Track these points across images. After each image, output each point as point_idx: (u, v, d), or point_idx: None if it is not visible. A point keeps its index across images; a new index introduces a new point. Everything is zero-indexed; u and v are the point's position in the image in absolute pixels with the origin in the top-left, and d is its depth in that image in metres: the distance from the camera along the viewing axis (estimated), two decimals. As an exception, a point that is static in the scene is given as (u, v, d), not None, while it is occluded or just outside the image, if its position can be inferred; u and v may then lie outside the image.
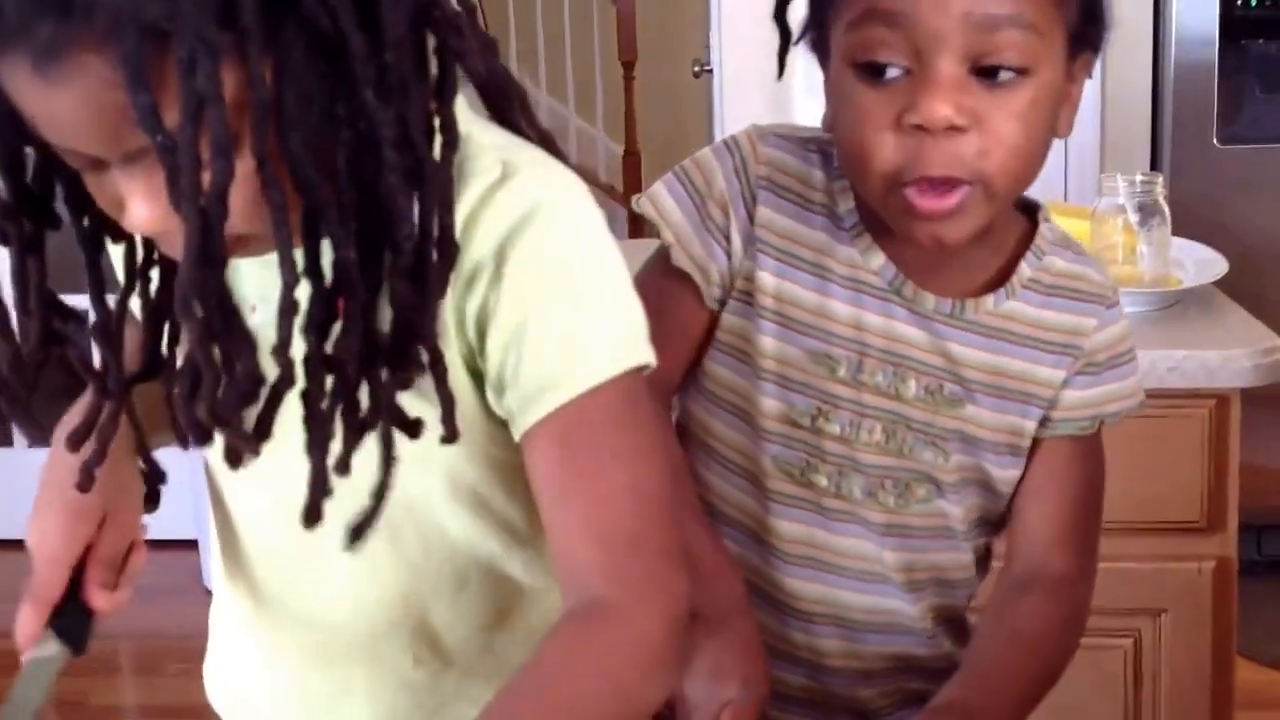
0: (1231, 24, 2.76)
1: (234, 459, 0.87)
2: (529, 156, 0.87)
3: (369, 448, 0.84)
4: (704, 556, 1.04)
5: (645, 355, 0.87)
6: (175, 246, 0.76)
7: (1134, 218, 1.83)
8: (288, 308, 0.77)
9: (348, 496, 0.85)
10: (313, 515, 0.83)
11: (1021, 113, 0.96)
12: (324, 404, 0.81)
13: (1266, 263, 2.68)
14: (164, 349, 0.89)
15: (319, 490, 0.83)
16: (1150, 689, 1.85)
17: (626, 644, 0.85)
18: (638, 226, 4.95)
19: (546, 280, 0.84)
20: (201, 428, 0.81)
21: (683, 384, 1.13)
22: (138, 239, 0.86)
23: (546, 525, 0.87)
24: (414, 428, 0.84)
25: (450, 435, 0.85)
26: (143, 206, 0.77)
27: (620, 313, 0.87)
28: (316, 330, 0.79)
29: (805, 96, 2.68)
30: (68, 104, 0.73)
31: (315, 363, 0.80)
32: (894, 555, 1.11)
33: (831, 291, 1.07)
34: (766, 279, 1.07)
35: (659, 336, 1.04)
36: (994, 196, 0.98)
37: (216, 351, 0.79)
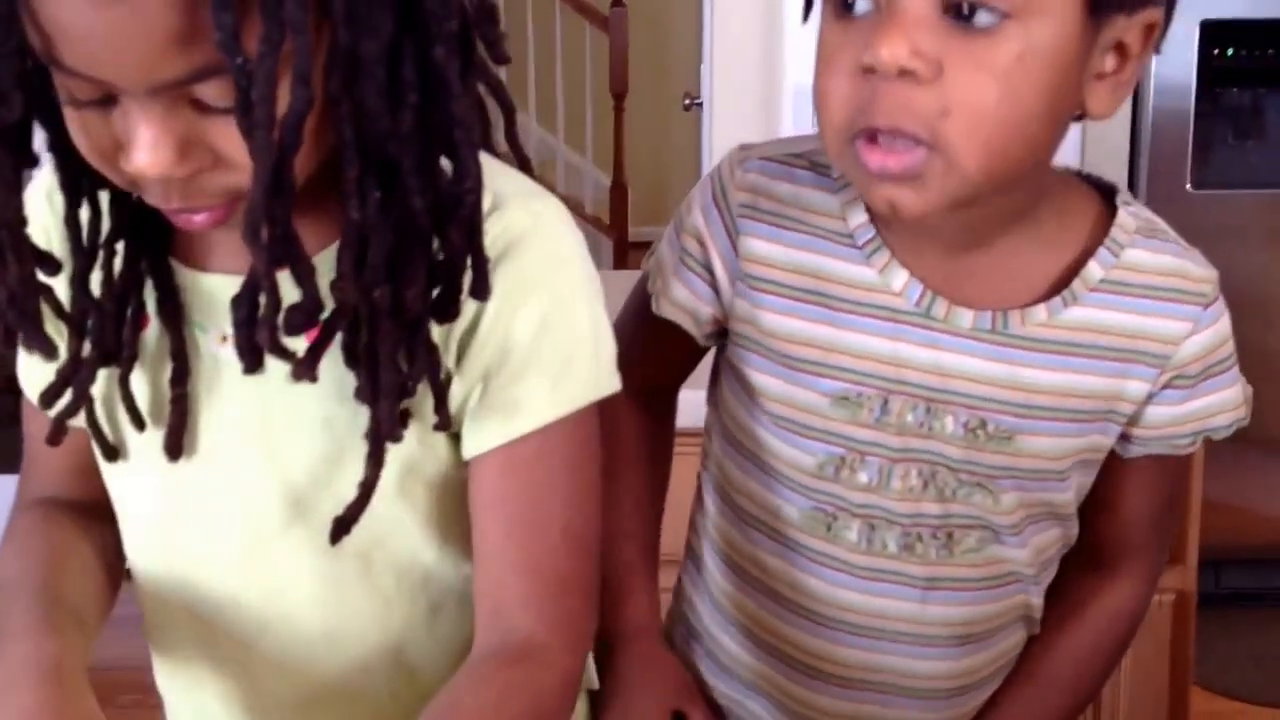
0: (1208, 73, 2.81)
1: (174, 448, 0.87)
2: (515, 187, 0.86)
3: (350, 464, 0.85)
4: (620, 576, 1.03)
5: (614, 384, 0.88)
6: (165, 195, 0.75)
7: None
8: (354, 241, 0.76)
9: (314, 533, 0.87)
10: (367, 492, 0.84)
11: (1001, 67, 0.80)
12: (378, 355, 0.80)
13: (1238, 305, 2.71)
14: (125, 332, 0.86)
15: (372, 477, 0.83)
16: (1108, 718, 1.87)
17: (555, 686, 0.87)
18: (623, 257, 4.99)
19: (529, 309, 0.84)
20: (256, 354, 0.77)
21: (706, 424, 1.06)
22: (103, 202, 0.83)
23: (479, 544, 0.87)
24: (404, 416, 0.84)
25: (444, 422, 0.85)
26: (154, 149, 0.72)
27: (596, 344, 0.87)
28: (386, 276, 0.77)
29: (796, 130, 2.72)
30: (116, 19, 0.68)
31: (380, 311, 0.78)
32: (939, 610, 0.99)
33: (844, 322, 0.94)
34: (764, 317, 0.96)
35: (651, 368, 1.05)
36: (959, 171, 0.82)
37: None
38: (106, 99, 0.73)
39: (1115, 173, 2.84)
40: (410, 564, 0.91)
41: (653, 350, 1.05)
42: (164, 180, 0.74)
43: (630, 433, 1.07)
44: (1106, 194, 0.95)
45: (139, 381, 0.88)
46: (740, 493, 1.02)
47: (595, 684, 1.03)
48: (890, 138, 0.82)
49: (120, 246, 0.85)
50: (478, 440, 0.86)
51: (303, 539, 0.88)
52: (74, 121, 0.75)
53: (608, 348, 0.88)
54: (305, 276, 0.75)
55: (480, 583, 0.87)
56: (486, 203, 0.82)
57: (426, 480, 0.88)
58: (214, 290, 0.86)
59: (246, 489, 0.88)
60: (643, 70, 5.19)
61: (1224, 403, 0.96)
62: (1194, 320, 0.93)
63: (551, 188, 4.40)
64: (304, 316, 0.75)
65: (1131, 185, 2.88)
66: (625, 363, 0.93)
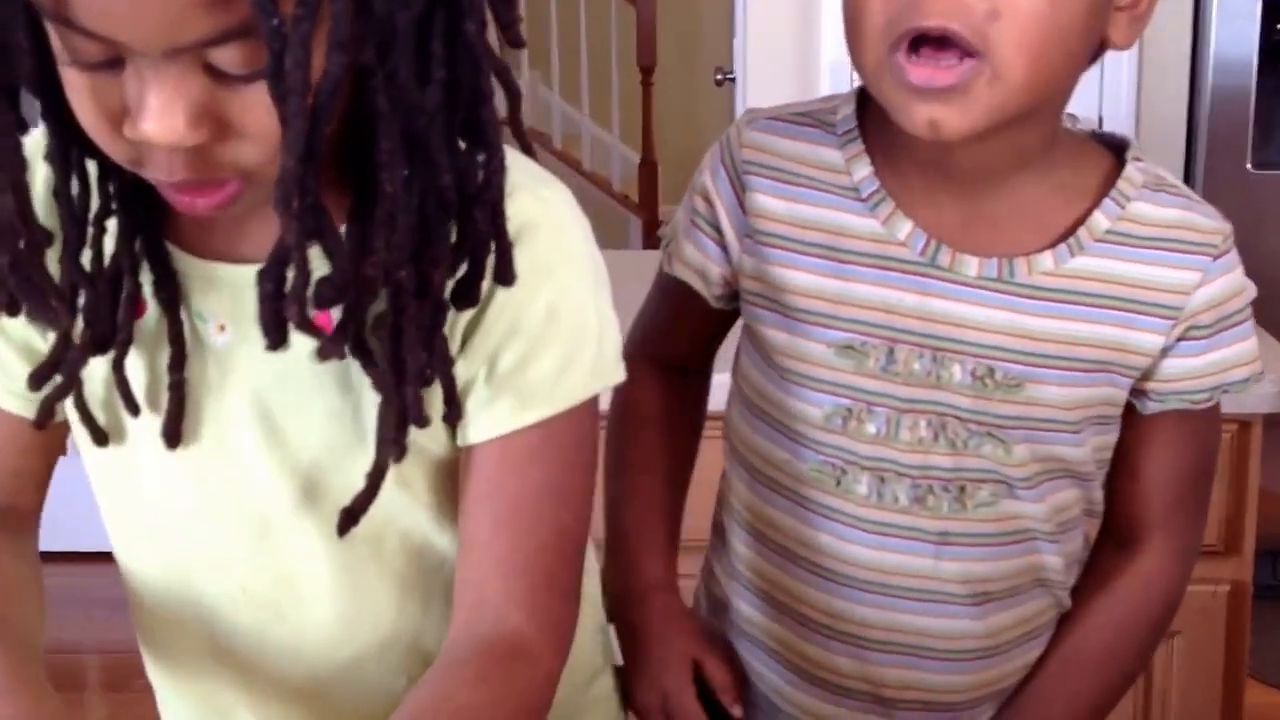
0: (1270, 49, 2.73)
1: (173, 435, 0.86)
2: (523, 172, 0.84)
3: (357, 454, 0.84)
4: (634, 537, 1.06)
5: (619, 374, 0.88)
6: (169, 166, 0.72)
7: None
8: (391, 215, 0.74)
9: (325, 520, 0.86)
10: (376, 481, 0.83)
11: None
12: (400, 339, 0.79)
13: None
14: (120, 314, 0.84)
15: (390, 441, 0.81)
16: (1160, 710, 1.84)
17: (541, 683, 0.85)
18: (653, 236, 4.91)
19: (536, 299, 0.83)
20: (282, 330, 0.75)
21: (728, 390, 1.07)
22: (91, 174, 0.80)
23: (468, 533, 0.86)
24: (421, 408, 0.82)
25: (454, 413, 0.84)
26: (164, 114, 0.69)
27: (601, 336, 0.87)
28: (411, 255, 0.77)
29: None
30: None
31: (406, 291, 0.77)
32: (953, 567, 0.99)
33: (851, 274, 0.95)
34: (771, 271, 0.97)
35: (671, 337, 1.09)
36: (1005, 82, 0.83)
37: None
38: (114, 61, 0.70)
39: (1172, 152, 2.78)
40: (422, 547, 0.90)
41: (670, 319, 1.08)
42: (171, 149, 0.71)
43: (647, 396, 1.09)
44: (1118, 151, 0.96)
45: (134, 366, 0.86)
46: (754, 451, 1.03)
47: (619, 659, 1.05)
48: (934, 50, 0.82)
49: (112, 224, 0.82)
50: (477, 428, 0.85)
51: (313, 526, 0.88)
52: (76, 85, 0.72)
53: (612, 340, 0.88)
54: (336, 249, 0.74)
55: (465, 572, 0.86)
56: None
57: (426, 465, 0.88)
58: (214, 277, 0.85)
59: (253, 479, 0.87)
60: (672, 44, 5.13)
61: (1240, 355, 0.97)
62: (1202, 270, 0.93)
63: (577, 165, 4.45)
64: (335, 290, 0.74)
65: (1189, 165, 2.82)
66: (647, 334, 1.04)
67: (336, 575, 0.89)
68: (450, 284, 0.80)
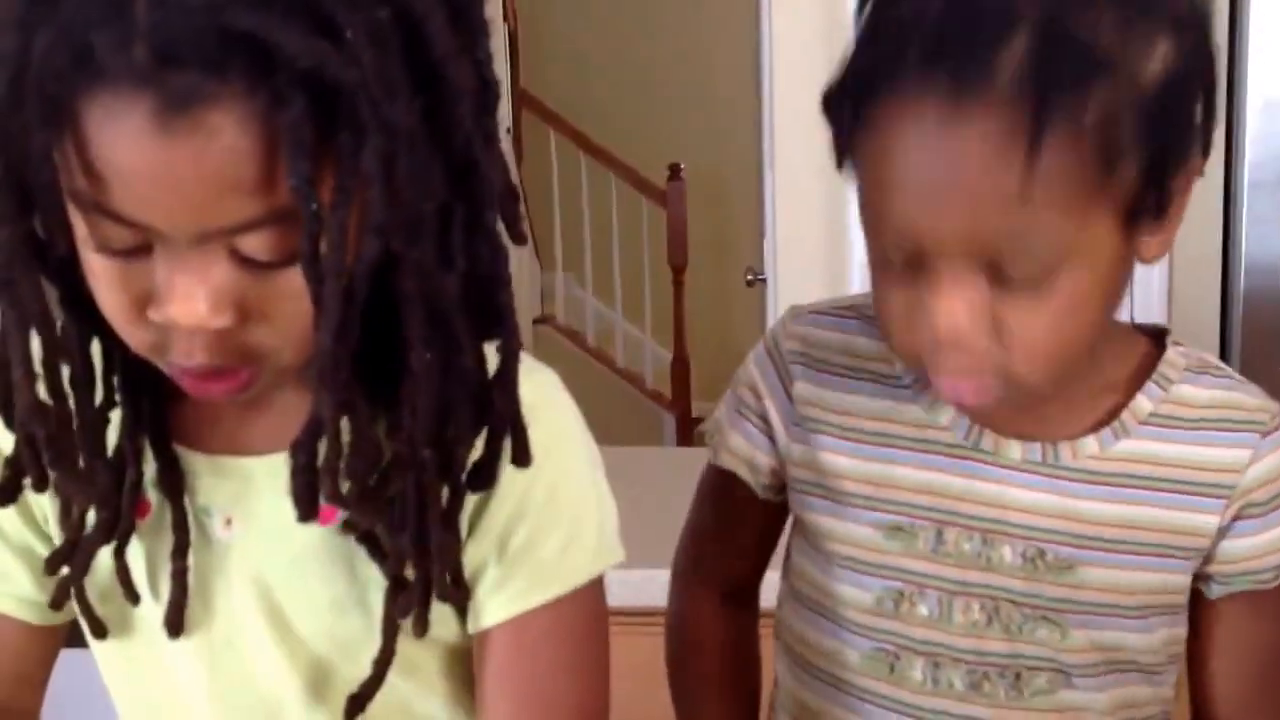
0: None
1: (175, 624, 0.86)
2: None
3: (365, 642, 0.84)
4: None
5: (618, 554, 0.89)
6: (189, 351, 0.73)
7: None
8: (416, 394, 0.76)
9: (335, 710, 0.86)
10: (382, 669, 0.84)
11: (1054, 311, 0.82)
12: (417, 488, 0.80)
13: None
14: (124, 503, 0.84)
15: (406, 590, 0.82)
16: None
17: None
18: (686, 434, 4.89)
19: (539, 480, 0.84)
20: (314, 502, 0.76)
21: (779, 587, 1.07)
22: (96, 366, 0.81)
23: (483, 712, 0.87)
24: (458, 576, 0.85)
25: (462, 594, 0.86)
26: (190, 298, 0.71)
27: (601, 515, 0.89)
28: (435, 436, 0.78)
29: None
30: (178, 160, 0.67)
31: (428, 471, 0.79)
32: None
33: (895, 457, 0.96)
34: (820, 457, 0.98)
35: (722, 546, 1.09)
36: (1028, 386, 0.85)
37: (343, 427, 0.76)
38: (140, 248, 0.71)
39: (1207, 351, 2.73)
40: None
41: (718, 521, 1.09)
42: (193, 332, 0.72)
43: (706, 623, 1.11)
44: (1158, 338, 0.96)
45: (136, 557, 0.87)
46: (803, 643, 1.02)
47: None
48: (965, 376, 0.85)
49: (115, 416, 0.83)
50: (491, 611, 0.86)
51: (324, 716, 0.88)
52: (102, 272, 0.73)
53: (611, 518, 0.90)
54: (367, 425, 0.75)
55: None
56: None
57: (438, 652, 0.89)
58: (218, 470, 0.86)
59: (263, 669, 0.88)
60: (702, 244, 5.17)
61: None
62: (1253, 448, 0.92)
63: (610, 363, 4.43)
64: (366, 463, 0.76)
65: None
66: (700, 549, 1.07)
67: None
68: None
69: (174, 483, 0.86)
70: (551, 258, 5.56)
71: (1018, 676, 0.94)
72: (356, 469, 0.75)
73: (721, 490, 1.06)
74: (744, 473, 1.03)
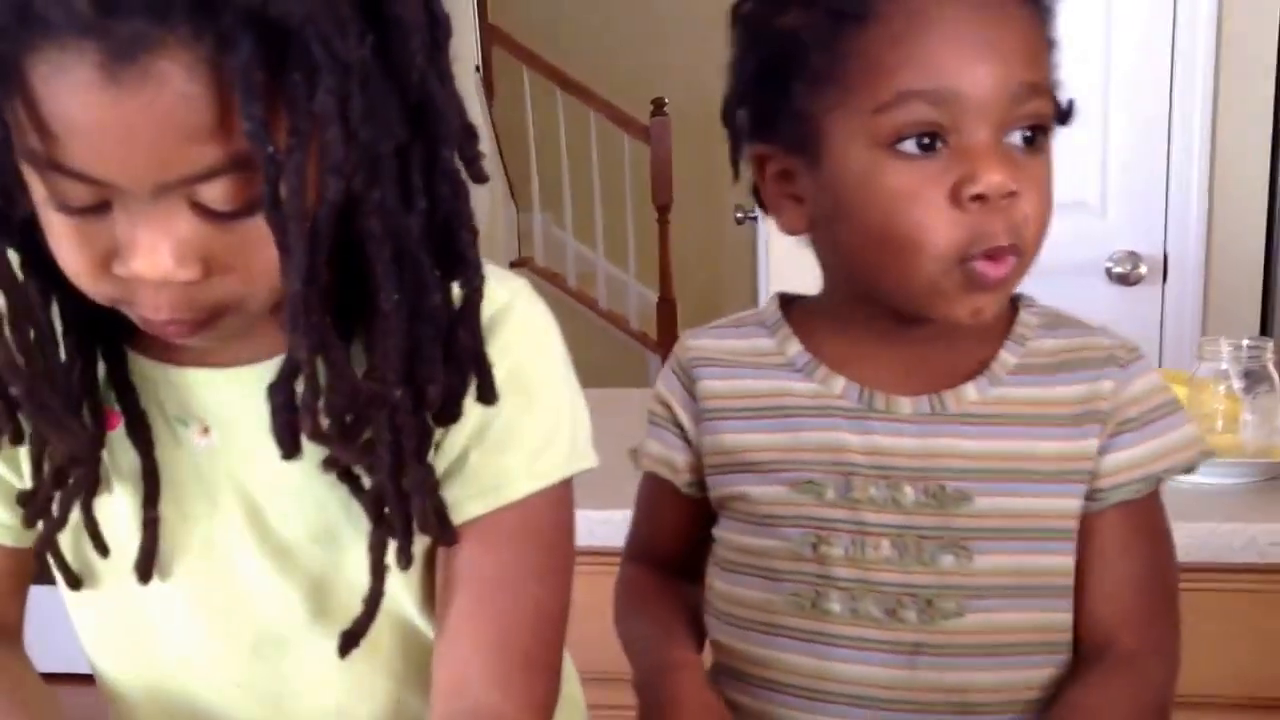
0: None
1: (145, 571, 0.89)
2: (488, 267, 0.87)
3: (352, 562, 0.88)
4: (651, 636, 1.10)
5: (591, 459, 0.92)
6: (155, 304, 0.75)
7: (1238, 384, 1.76)
8: (386, 333, 0.78)
9: (331, 625, 0.89)
10: (375, 601, 0.87)
11: (1046, 174, 0.97)
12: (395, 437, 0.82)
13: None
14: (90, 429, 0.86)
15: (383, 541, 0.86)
16: None
17: None
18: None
19: (511, 381, 0.86)
20: (296, 440, 0.78)
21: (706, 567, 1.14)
22: (56, 314, 0.83)
23: (446, 615, 0.89)
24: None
25: (448, 535, 0.88)
26: (155, 251, 0.72)
27: (574, 419, 0.92)
28: (405, 373, 0.80)
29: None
30: (131, 111, 0.67)
31: (401, 409, 0.81)
32: (930, 676, 1.02)
33: (800, 425, 1.05)
34: (726, 439, 1.08)
35: (657, 537, 1.18)
36: (1025, 267, 0.97)
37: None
38: (100, 205, 0.72)
39: (1248, 293, 2.60)
40: (415, 641, 0.93)
41: (651, 516, 1.19)
42: (159, 285, 0.73)
43: (644, 577, 1.18)
44: (1013, 302, 1.07)
45: (120, 500, 0.90)
46: (732, 601, 1.09)
47: None
48: (1001, 252, 0.94)
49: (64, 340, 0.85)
50: (456, 512, 0.88)
51: (321, 632, 0.90)
52: (61, 230, 0.74)
53: (584, 423, 0.93)
54: (342, 364, 0.77)
55: (443, 653, 0.88)
56: None
57: (417, 558, 0.90)
58: (192, 384, 0.88)
59: (255, 589, 0.90)
60: (689, 181, 5.01)
61: (1174, 443, 1.04)
62: (1114, 378, 1.02)
63: (592, 304, 4.32)
64: (344, 400, 0.78)
65: (1266, 305, 2.63)
66: (638, 539, 1.18)
67: (335, 673, 0.92)
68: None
69: (137, 408, 0.88)
70: (529, 198, 5.39)
71: (929, 602, 1.02)
72: (335, 406, 0.78)
73: (650, 493, 1.17)
74: (665, 473, 1.12)
